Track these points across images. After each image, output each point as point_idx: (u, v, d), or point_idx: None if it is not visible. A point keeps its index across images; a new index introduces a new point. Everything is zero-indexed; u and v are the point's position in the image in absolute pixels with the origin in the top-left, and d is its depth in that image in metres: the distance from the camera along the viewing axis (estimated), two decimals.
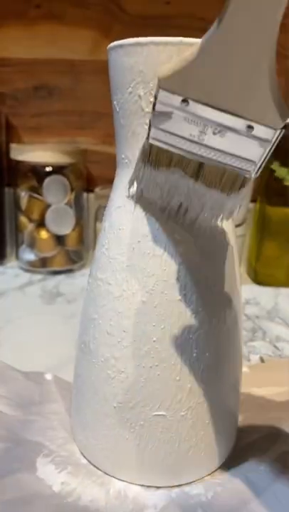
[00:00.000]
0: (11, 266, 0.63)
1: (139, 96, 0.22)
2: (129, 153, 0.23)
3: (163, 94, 0.18)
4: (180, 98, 0.18)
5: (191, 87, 0.18)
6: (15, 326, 0.45)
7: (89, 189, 0.65)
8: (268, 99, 0.17)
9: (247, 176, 0.20)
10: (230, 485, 0.25)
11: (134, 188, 0.22)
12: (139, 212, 0.23)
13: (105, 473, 0.26)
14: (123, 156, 0.24)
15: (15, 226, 0.63)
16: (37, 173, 0.58)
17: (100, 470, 0.26)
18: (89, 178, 0.67)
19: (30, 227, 0.60)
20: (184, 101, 0.18)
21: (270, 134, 0.18)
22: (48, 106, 0.67)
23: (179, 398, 0.24)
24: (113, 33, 0.64)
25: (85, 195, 0.63)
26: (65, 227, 0.59)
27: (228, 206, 0.21)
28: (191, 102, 0.18)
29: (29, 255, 0.60)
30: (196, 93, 0.18)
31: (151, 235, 0.23)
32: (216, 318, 0.24)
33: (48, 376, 0.34)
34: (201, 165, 0.20)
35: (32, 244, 0.60)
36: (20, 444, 0.27)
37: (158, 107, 0.19)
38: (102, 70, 0.67)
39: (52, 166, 0.58)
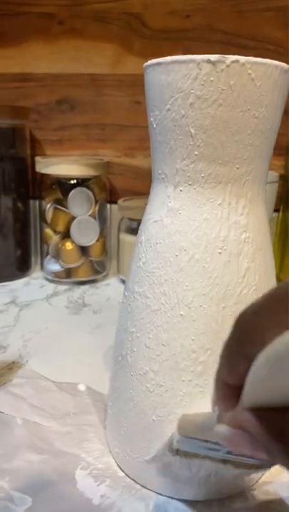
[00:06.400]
0: (36, 277, 0.64)
1: (178, 113, 0.22)
2: (166, 169, 0.24)
3: (182, 438, 0.20)
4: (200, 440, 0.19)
5: (207, 435, 0.19)
6: (43, 337, 0.45)
7: (112, 200, 0.66)
8: None
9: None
10: (272, 496, 0.25)
11: (159, 465, 0.24)
12: (175, 227, 0.23)
13: (144, 486, 0.26)
14: (160, 172, 0.24)
15: (40, 238, 0.64)
16: (62, 186, 0.59)
17: (139, 484, 0.26)
18: (111, 189, 0.68)
19: (55, 238, 0.60)
20: (205, 441, 0.19)
21: None
22: (70, 119, 0.68)
23: None
24: (134, 46, 0.65)
25: (108, 206, 0.64)
26: (90, 238, 0.60)
27: (255, 473, 0.22)
28: (208, 442, 0.19)
29: (54, 266, 0.61)
30: (212, 437, 0.18)
31: (188, 248, 0.23)
32: None
33: (81, 387, 0.35)
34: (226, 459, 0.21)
35: (57, 255, 0.61)
36: (58, 456, 0.28)
37: (178, 442, 0.20)
38: (123, 83, 0.69)
39: (76, 179, 0.58)
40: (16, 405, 0.32)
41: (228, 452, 0.19)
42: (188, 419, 0.21)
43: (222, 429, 0.16)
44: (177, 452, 0.22)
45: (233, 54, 0.21)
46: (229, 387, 0.16)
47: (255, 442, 0.15)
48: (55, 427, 0.31)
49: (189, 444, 0.20)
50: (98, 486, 0.26)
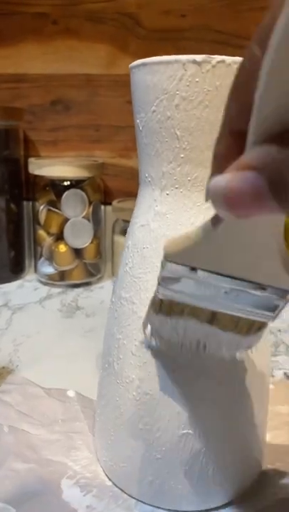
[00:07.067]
0: (30, 279, 0.63)
1: (164, 115, 0.21)
2: (153, 172, 0.23)
3: (170, 266, 0.18)
4: (188, 267, 0.18)
5: (199, 259, 0.17)
6: (35, 341, 0.45)
7: (106, 202, 0.65)
8: (278, 264, 0.17)
9: (264, 322, 0.20)
10: (260, 506, 0.24)
11: (148, 330, 0.22)
12: (162, 231, 0.23)
13: (131, 496, 0.25)
14: (146, 175, 0.24)
15: (33, 240, 0.63)
16: (55, 187, 0.58)
17: (126, 493, 0.25)
18: (106, 191, 0.67)
19: (48, 240, 0.60)
20: (193, 269, 0.18)
21: (284, 293, 0.18)
22: (64, 120, 0.68)
23: (205, 418, 0.23)
24: (129, 47, 0.64)
25: (102, 208, 0.63)
26: (83, 240, 0.60)
27: (245, 344, 0.21)
28: (199, 271, 0.18)
29: (48, 268, 0.61)
30: (204, 263, 0.17)
31: None
32: None
33: (71, 393, 0.34)
34: (214, 312, 0.19)
35: (50, 258, 0.60)
36: (44, 465, 0.27)
37: (165, 274, 0.18)
38: (118, 83, 0.68)
39: (70, 180, 0.58)
40: (3, 412, 0.31)
41: (224, 291, 0.18)
42: (178, 239, 0.18)
43: (219, 178, 0.13)
44: (160, 308, 0.20)
45: (230, 54, 0.20)
46: (235, 136, 0.14)
47: (261, 186, 0.12)
48: (43, 434, 0.30)
49: (174, 286, 0.18)
50: (84, 496, 0.25)
